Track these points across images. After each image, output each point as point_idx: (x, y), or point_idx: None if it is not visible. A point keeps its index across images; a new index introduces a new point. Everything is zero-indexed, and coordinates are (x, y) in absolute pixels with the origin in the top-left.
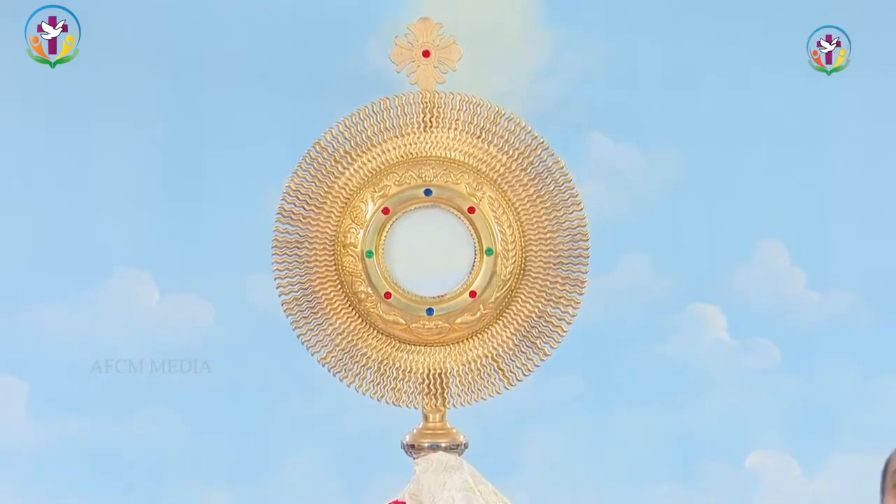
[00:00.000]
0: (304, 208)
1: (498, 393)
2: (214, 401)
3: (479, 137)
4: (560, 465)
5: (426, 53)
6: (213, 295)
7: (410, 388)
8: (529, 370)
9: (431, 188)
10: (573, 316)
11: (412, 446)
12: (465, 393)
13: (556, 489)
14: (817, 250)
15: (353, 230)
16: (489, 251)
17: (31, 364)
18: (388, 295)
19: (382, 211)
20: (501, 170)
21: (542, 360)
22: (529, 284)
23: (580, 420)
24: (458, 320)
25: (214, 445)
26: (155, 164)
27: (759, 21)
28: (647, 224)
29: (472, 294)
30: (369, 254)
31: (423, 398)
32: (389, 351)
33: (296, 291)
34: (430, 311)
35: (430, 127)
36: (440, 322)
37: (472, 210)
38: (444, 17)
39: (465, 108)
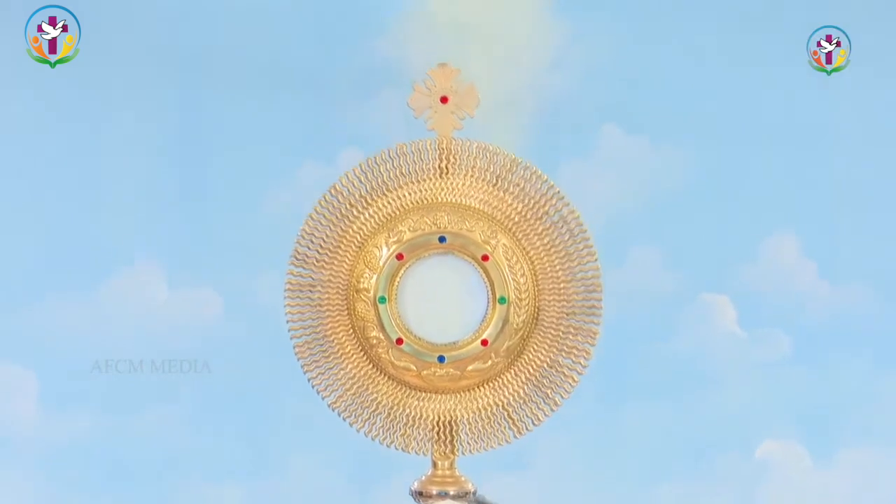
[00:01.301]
0: (317, 252)
1: (507, 442)
2: (221, 397)
3: (494, 185)
4: (570, 460)
5: (444, 99)
6: (223, 291)
7: (420, 434)
8: (539, 420)
9: (446, 235)
10: (584, 367)
11: (420, 493)
12: (475, 441)
13: (567, 484)
14: (827, 242)
15: (367, 275)
16: (502, 300)
17: (41, 357)
18: (399, 341)
19: (396, 257)
20: (516, 218)
21: (552, 410)
22: (542, 334)
23: (590, 414)
24: (470, 368)
25: (221, 442)
26: (160, 160)
27: (758, 21)
28: (657, 217)
29: (484, 342)
30: (382, 299)
31: (433, 445)
32: (400, 397)
33: (307, 335)
34: (441, 359)
35: (446, 173)
36: (451, 369)
37: (485, 258)
38: (451, 11)
39: (481, 155)
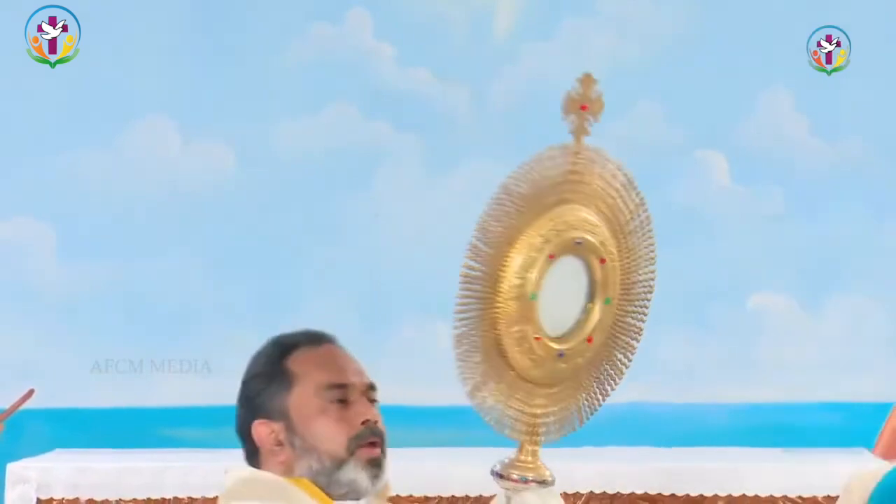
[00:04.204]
0: (486, 247)
1: (573, 431)
2: (238, 247)
3: (614, 191)
4: None
5: (584, 107)
6: (236, 141)
7: (521, 426)
8: (595, 409)
9: (582, 238)
10: (630, 361)
11: (501, 476)
12: (556, 431)
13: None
14: (819, 97)
15: (522, 272)
16: (608, 300)
17: (59, 208)
18: (538, 338)
19: (549, 256)
20: (622, 222)
21: (603, 399)
22: (608, 332)
23: None
24: (578, 362)
25: (240, 287)
26: (175, 17)
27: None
28: (656, 73)
29: (589, 340)
30: (533, 296)
31: (527, 435)
32: (515, 389)
33: (465, 326)
34: (561, 354)
35: (581, 176)
36: (564, 365)
37: (603, 261)
38: None
39: (606, 163)
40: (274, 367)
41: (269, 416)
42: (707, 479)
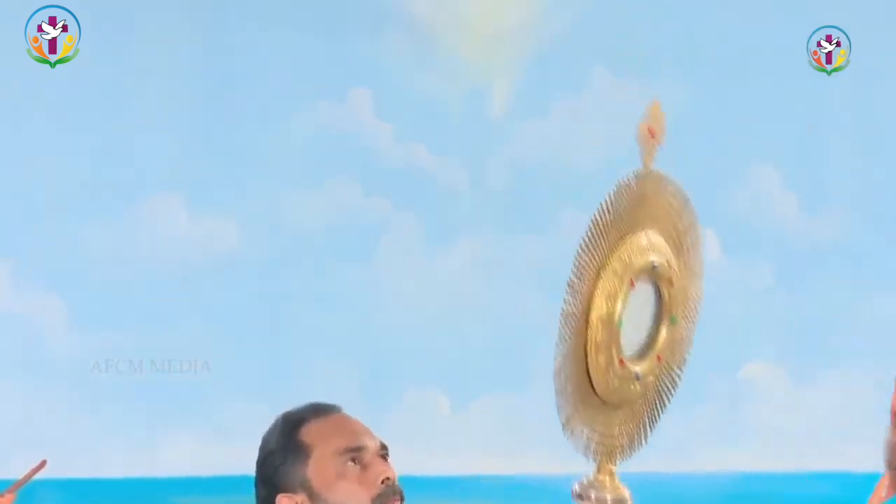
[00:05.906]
0: (578, 280)
1: (640, 447)
2: (243, 309)
3: (677, 215)
4: None
5: (652, 133)
6: (240, 215)
7: (602, 448)
8: (656, 422)
9: (657, 262)
10: (683, 373)
11: (581, 497)
12: (628, 451)
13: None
14: (806, 172)
15: (611, 301)
16: (673, 319)
17: (70, 282)
18: (622, 362)
19: (630, 282)
20: (682, 241)
21: (663, 412)
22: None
23: None
24: (647, 381)
25: (243, 357)
26: (179, 97)
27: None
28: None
29: (659, 358)
30: (620, 323)
31: (604, 455)
32: (596, 412)
33: (562, 360)
34: (637, 377)
35: (647, 202)
36: (638, 385)
37: (671, 281)
38: None
39: (673, 189)
40: (288, 442)
41: (290, 489)
42: None
